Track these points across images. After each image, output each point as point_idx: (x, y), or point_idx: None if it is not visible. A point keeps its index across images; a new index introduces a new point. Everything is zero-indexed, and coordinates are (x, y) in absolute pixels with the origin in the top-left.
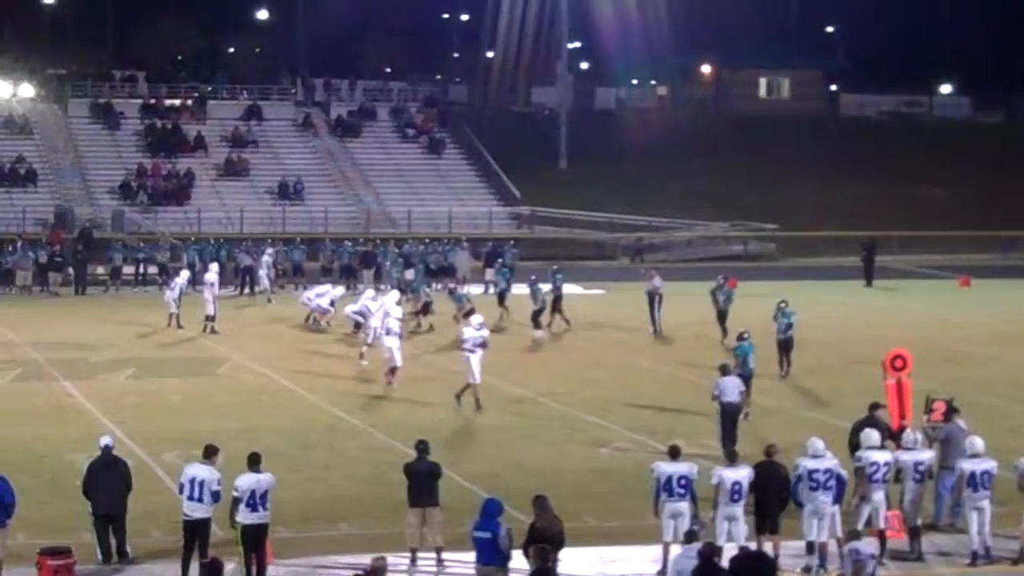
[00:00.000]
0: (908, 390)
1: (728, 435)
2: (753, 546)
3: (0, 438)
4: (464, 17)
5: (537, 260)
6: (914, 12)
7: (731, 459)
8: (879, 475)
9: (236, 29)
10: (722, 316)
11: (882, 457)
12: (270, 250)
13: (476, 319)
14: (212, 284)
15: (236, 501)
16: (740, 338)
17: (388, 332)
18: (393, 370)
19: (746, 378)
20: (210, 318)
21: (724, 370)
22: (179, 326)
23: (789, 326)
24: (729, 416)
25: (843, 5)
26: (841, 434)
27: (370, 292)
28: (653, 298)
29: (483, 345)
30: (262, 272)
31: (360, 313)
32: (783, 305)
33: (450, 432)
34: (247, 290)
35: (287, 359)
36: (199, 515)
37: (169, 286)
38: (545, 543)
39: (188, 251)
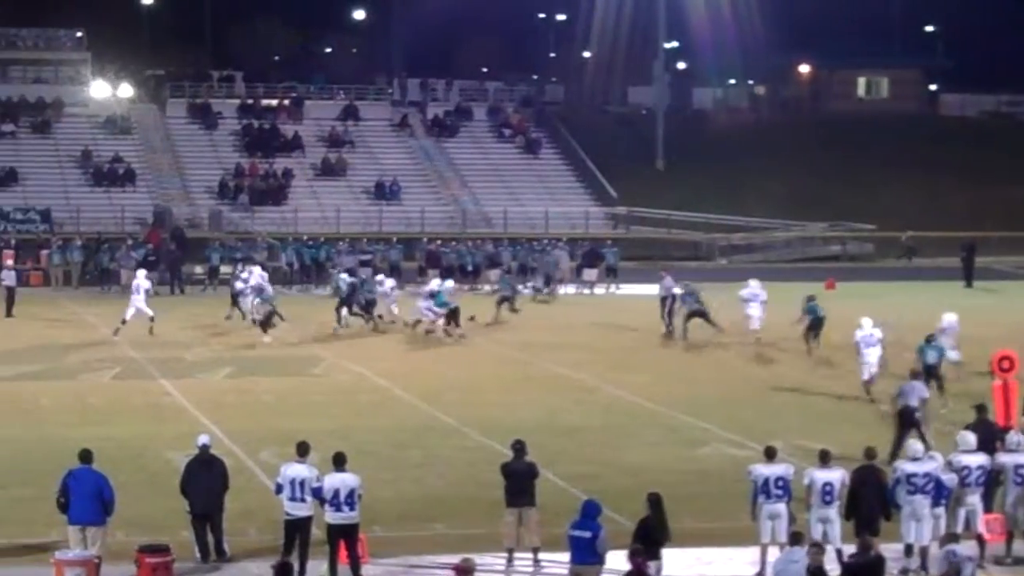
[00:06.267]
0: (1015, 391)
1: (901, 439)
2: (849, 548)
3: (99, 436)
4: (561, 16)
5: (634, 260)
6: (1016, 10)
7: (823, 460)
8: (971, 478)
9: (333, 29)
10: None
11: (974, 460)
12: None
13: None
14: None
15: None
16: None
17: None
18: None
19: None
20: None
21: (914, 375)
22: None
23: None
24: (905, 419)
25: (943, 3)
26: (941, 436)
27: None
28: (665, 300)
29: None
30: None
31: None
32: (811, 299)
33: (547, 432)
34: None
35: (382, 358)
36: (302, 514)
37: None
38: (657, 542)
39: (285, 251)
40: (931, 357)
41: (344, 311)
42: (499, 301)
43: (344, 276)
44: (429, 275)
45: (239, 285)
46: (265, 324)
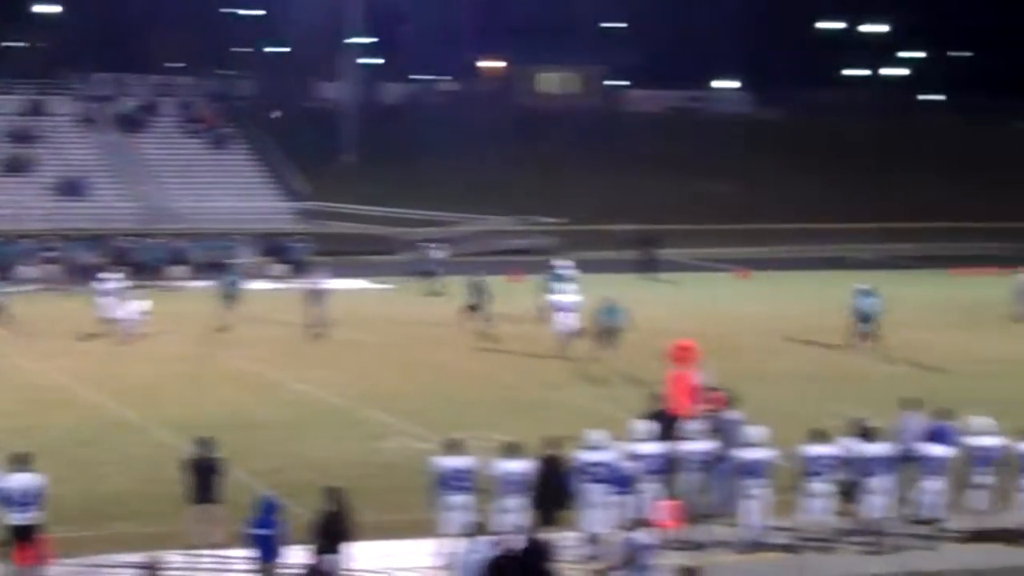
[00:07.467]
0: (690, 381)
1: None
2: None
3: None
4: (254, 12)
5: (326, 256)
6: (698, 9)
7: (510, 451)
8: (648, 466)
9: (19, 22)
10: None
11: (650, 448)
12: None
13: None
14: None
15: None
16: None
17: None
18: None
19: None
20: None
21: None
22: None
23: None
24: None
25: (630, 2)
26: (622, 426)
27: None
28: (310, 296)
29: None
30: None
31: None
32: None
33: (232, 428)
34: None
35: (64, 355)
36: None
37: None
38: (338, 533)
39: None
40: (614, 318)
41: None
42: (224, 299)
43: None
44: (114, 271)
45: None
46: None
